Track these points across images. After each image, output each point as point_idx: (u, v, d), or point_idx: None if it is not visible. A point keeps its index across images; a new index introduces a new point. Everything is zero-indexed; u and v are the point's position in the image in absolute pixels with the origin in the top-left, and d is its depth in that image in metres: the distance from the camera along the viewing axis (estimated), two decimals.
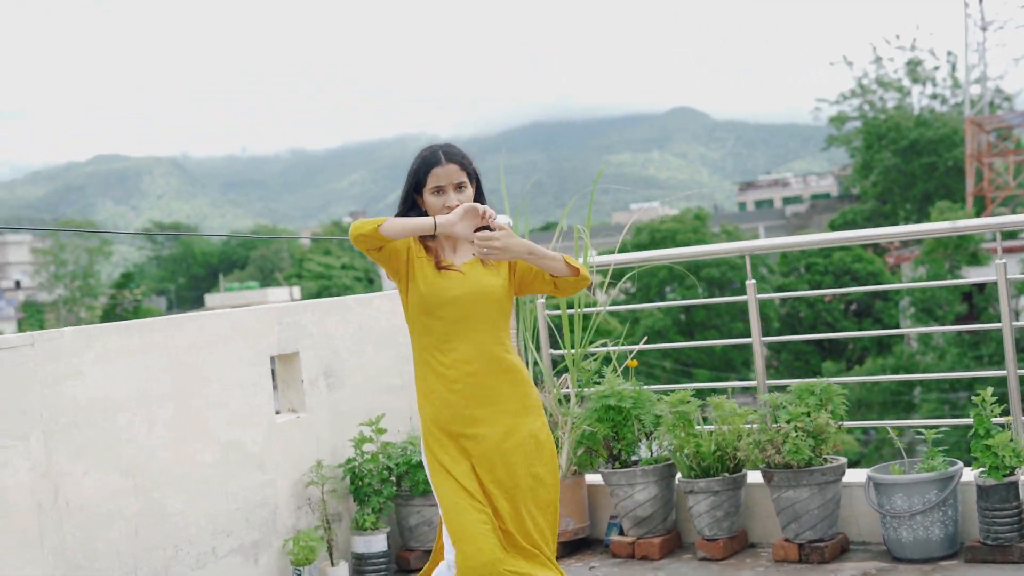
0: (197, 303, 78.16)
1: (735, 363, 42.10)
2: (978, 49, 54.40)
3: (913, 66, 64.24)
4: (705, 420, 6.26)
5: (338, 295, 63.52)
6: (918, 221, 56.39)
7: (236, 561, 5.69)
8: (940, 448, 5.73)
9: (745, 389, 6.88)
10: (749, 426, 6.08)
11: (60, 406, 5.03)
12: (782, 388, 6.27)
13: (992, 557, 5.45)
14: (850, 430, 6.00)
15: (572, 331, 6.60)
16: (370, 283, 74.65)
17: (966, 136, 52.21)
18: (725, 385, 6.52)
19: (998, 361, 34.99)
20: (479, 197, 4.16)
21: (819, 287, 41.45)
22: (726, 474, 6.06)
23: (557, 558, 4.50)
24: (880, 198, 59.95)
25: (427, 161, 4.08)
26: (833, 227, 56.06)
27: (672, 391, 6.31)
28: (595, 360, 6.67)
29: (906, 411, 32.98)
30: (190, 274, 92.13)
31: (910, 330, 8.34)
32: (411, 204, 4.14)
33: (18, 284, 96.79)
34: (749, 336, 6.42)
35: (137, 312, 62.73)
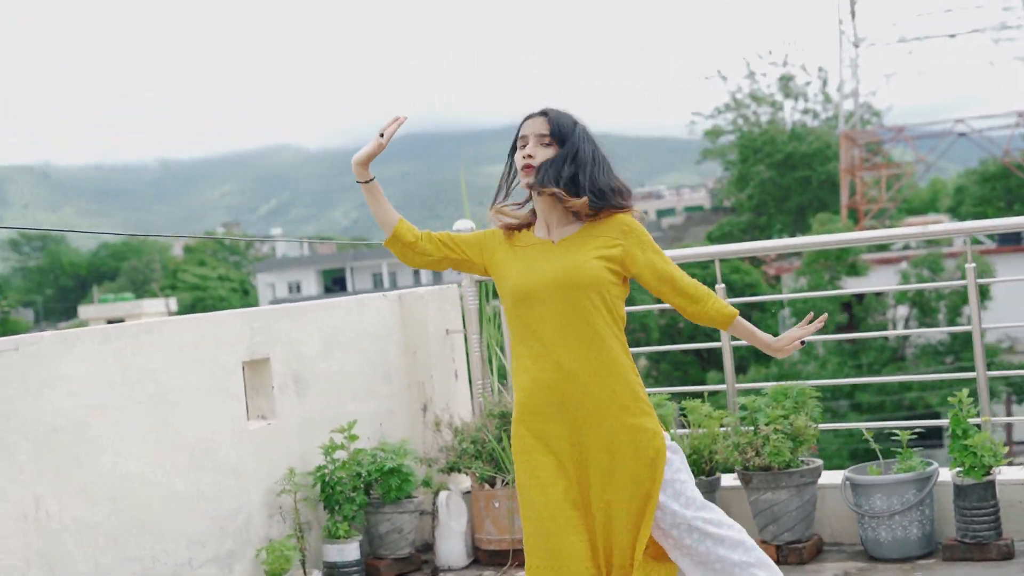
0: (67, 315, 76.22)
1: None
2: (851, 65, 55.71)
3: (785, 81, 65.58)
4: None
5: (213, 306, 62.72)
6: (792, 234, 57.57)
7: (211, 572, 5.54)
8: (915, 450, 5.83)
9: (712, 393, 6.90)
10: (724, 429, 6.12)
11: (42, 414, 4.87)
12: (755, 392, 6.32)
13: (970, 555, 5.55)
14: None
15: None
16: (245, 294, 73.46)
17: (840, 150, 53.47)
18: (700, 389, 6.54)
19: (877, 370, 35.90)
20: (575, 169, 3.98)
21: None
22: (702, 477, 6.08)
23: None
24: (756, 211, 61.09)
25: (525, 117, 4.05)
26: (711, 239, 56.87)
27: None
28: None
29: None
30: (58, 285, 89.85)
31: (900, 332, 8.40)
32: (510, 166, 4.12)
33: None
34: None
35: (5, 324, 61.03)
